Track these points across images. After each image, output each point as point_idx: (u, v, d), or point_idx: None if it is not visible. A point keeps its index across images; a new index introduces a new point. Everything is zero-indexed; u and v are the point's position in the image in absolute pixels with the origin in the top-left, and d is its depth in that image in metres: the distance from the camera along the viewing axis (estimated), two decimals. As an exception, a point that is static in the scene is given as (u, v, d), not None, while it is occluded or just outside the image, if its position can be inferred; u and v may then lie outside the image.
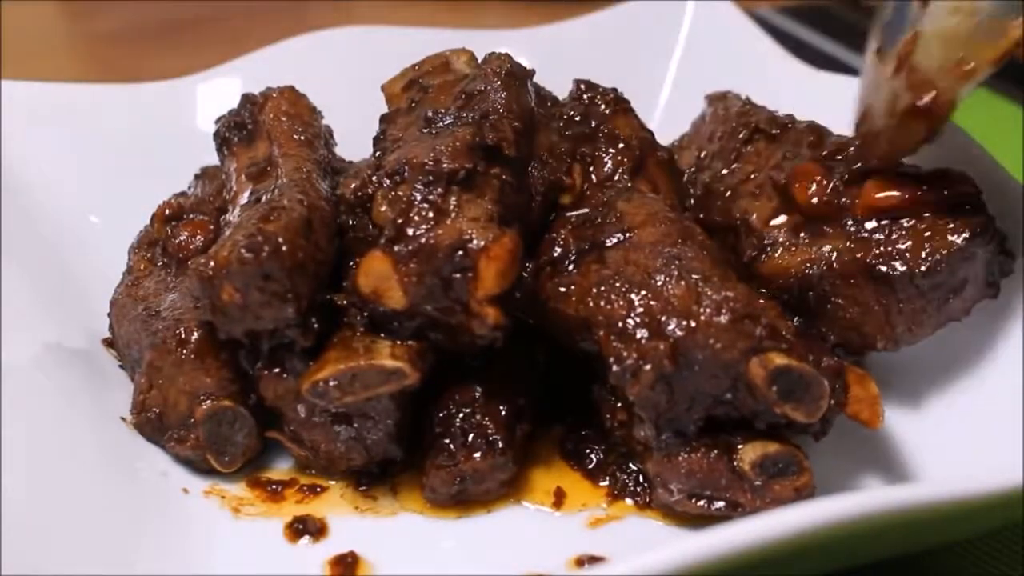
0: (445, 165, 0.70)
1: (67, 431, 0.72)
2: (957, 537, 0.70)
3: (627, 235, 0.75)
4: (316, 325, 0.72)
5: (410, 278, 0.69)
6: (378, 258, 0.69)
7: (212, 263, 0.69)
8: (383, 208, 0.71)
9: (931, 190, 0.73)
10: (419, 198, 0.70)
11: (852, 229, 0.74)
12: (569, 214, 0.81)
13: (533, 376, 0.81)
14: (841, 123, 0.83)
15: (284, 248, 0.69)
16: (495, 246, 0.68)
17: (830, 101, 0.90)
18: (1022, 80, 1.40)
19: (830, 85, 1.02)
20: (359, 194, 0.74)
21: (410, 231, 0.69)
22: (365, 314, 0.72)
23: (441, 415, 0.76)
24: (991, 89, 1.38)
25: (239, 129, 0.91)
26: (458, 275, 0.68)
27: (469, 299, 0.69)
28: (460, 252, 0.68)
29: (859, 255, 0.73)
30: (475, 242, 0.68)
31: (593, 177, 0.84)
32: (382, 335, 0.72)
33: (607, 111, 0.87)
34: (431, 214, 0.69)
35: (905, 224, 0.73)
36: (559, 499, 0.76)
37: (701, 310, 0.68)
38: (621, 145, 0.85)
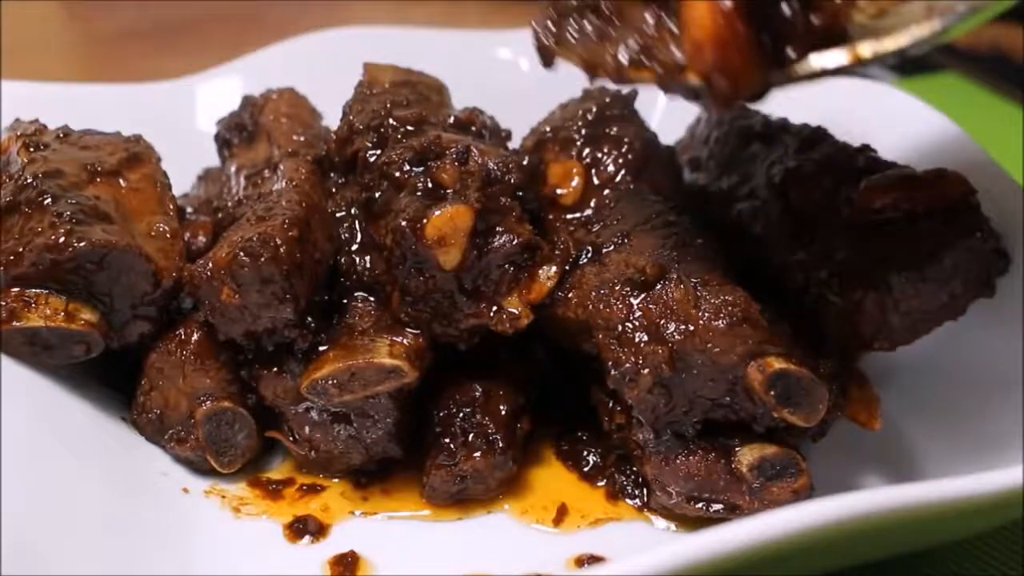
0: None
1: (67, 431, 0.72)
2: (957, 537, 0.70)
3: (627, 238, 0.75)
4: (314, 325, 0.73)
5: (473, 249, 0.70)
6: (465, 212, 0.69)
7: (211, 265, 0.70)
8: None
9: (927, 191, 0.73)
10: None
11: (848, 229, 0.74)
12: (570, 216, 0.82)
13: (533, 375, 0.81)
14: (841, 124, 0.83)
15: (282, 250, 0.70)
16: (556, 275, 0.73)
17: (830, 102, 0.90)
18: (1022, 80, 1.40)
19: (830, 86, 1.01)
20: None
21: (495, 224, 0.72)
22: (389, 253, 0.72)
23: (441, 415, 0.76)
24: (991, 89, 1.38)
25: (239, 130, 0.92)
26: (512, 268, 0.71)
27: (508, 294, 0.71)
28: (527, 254, 0.72)
29: (855, 255, 0.73)
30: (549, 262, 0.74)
31: (596, 179, 0.84)
32: (384, 335, 0.72)
33: (612, 113, 0.87)
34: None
35: (901, 224, 0.73)
36: (560, 516, 0.76)
37: (700, 314, 0.68)
38: (624, 147, 0.85)
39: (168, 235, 0.77)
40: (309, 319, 0.72)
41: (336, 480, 0.78)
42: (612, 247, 0.75)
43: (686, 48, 0.57)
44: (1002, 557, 0.71)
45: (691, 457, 0.70)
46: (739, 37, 0.56)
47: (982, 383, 0.75)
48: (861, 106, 0.94)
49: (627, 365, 0.69)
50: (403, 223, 0.70)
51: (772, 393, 0.66)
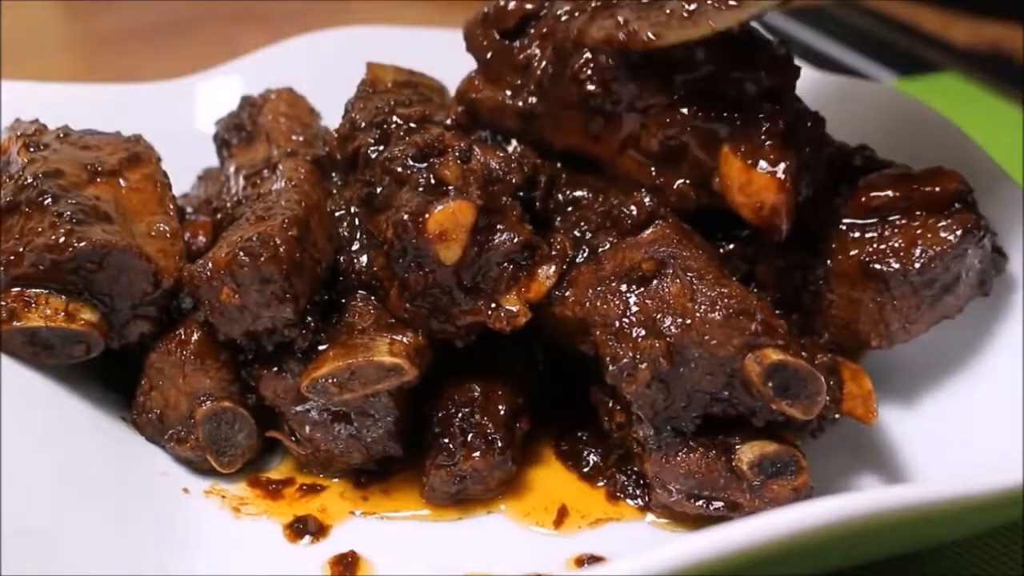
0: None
1: (67, 431, 0.72)
2: (957, 536, 0.70)
3: (623, 236, 0.75)
4: (314, 324, 0.73)
5: (474, 245, 0.70)
6: (467, 208, 0.69)
7: (210, 265, 0.70)
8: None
9: (923, 189, 0.73)
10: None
11: (845, 228, 0.74)
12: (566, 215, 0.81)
13: (532, 375, 0.81)
14: (841, 124, 0.83)
15: (281, 250, 0.70)
16: (555, 274, 0.73)
17: (830, 101, 0.90)
18: (1022, 80, 1.40)
19: (830, 85, 1.02)
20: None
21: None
22: (388, 247, 0.72)
23: (440, 415, 0.76)
24: (991, 89, 1.38)
25: (238, 131, 0.92)
26: (511, 267, 0.71)
27: (507, 292, 0.71)
28: (527, 253, 0.72)
29: (853, 253, 0.73)
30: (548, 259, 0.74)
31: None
32: (384, 333, 0.73)
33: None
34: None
35: (898, 222, 0.73)
36: (560, 517, 0.75)
37: (696, 307, 0.68)
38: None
39: (168, 235, 0.77)
40: (309, 319, 0.72)
41: (336, 480, 0.78)
42: (608, 245, 0.75)
43: (744, 207, 0.70)
44: (1002, 557, 0.71)
45: (691, 454, 0.70)
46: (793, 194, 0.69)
47: (981, 382, 0.75)
48: (860, 105, 0.95)
49: (625, 360, 0.69)
50: (405, 217, 0.70)
51: (770, 385, 0.66)
